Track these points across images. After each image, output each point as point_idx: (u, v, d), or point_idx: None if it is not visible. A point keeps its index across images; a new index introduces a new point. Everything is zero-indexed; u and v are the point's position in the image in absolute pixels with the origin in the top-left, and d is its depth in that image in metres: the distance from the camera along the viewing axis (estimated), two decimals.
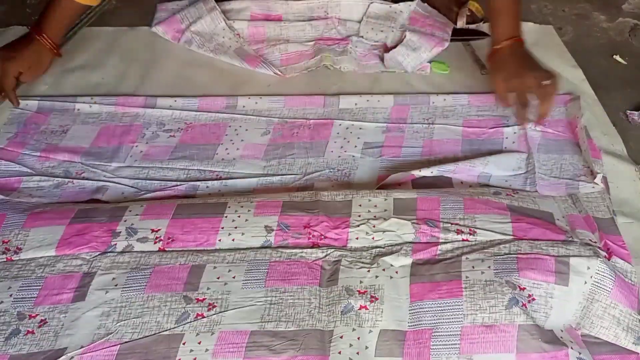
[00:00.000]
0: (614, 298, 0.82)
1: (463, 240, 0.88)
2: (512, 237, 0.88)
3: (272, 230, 0.90)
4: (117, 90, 1.24)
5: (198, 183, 1.03)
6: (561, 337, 0.79)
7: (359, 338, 0.78)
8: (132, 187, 1.02)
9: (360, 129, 1.14)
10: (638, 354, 0.80)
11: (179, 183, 1.03)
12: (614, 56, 1.36)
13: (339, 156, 1.09)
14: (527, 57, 1.11)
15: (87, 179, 1.04)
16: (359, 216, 0.92)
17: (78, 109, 1.18)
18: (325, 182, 1.04)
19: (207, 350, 0.77)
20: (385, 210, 0.93)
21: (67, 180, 1.03)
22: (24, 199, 0.99)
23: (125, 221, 0.92)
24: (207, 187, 1.03)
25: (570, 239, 0.88)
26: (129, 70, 1.28)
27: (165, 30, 1.36)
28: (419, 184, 1.02)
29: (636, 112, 1.19)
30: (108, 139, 1.12)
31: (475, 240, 0.88)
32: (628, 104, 1.22)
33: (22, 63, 1.15)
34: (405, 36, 1.29)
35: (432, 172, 1.01)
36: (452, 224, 0.89)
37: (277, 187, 1.03)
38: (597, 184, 1.01)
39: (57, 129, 1.14)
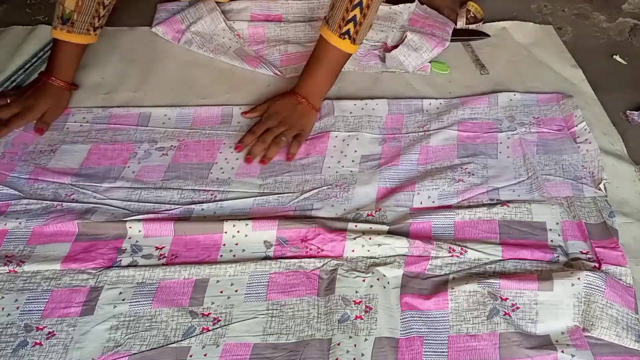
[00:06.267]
0: (608, 298, 0.84)
1: (452, 256, 0.92)
2: (500, 258, 0.92)
3: (272, 245, 0.94)
4: (117, 90, 1.23)
5: (193, 207, 1.00)
6: (556, 341, 0.82)
7: (355, 345, 0.81)
8: (123, 209, 1.00)
9: (357, 139, 1.13)
10: None
11: (172, 207, 1.00)
12: (614, 56, 1.36)
13: (337, 172, 1.07)
14: (303, 114, 1.13)
15: (76, 201, 1.01)
16: (355, 227, 0.95)
17: (67, 128, 1.15)
18: (324, 201, 1.02)
19: None
20: (379, 234, 0.95)
21: (55, 203, 1.00)
22: (11, 222, 0.97)
23: (129, 238, 0.95)
24: (202, 209, 1.00)
25: (556, 258, 0.92)
26: (129, 70, 1.28)
27: (166, 31, 1.36)
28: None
29: (636, 112, 1.19)
30: (98, 160, 1.09)
31: (465, 259, 0.92)
32: (628, 104, 1.23)
33: (42, 108, 1.14)
34: (406, 36, 1.29)
35: (433, 202, 1.01)
36: (444, 241, 0.93)
37: (274, 207, 1.01)
38: (600, 190, 1.02)
39: (46, 149, 1.10)
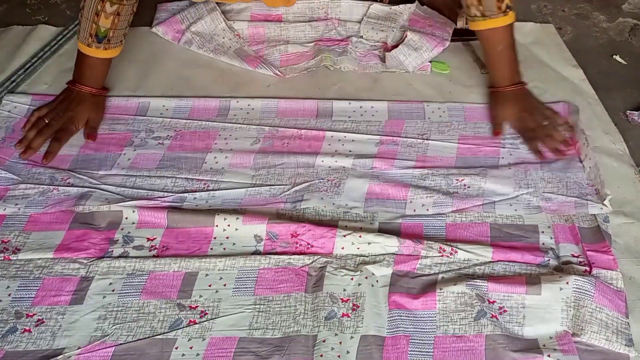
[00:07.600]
0: (598, 302, 0.84)
1: (442, 256, 0.92)
2: (490, 260, 0.92)
3: (262, 239, 0.94)
4: (117, 89, 1.23)
5: (185, 195, 1.02)
6: (544, 346, 0.81)
7: (340, 343, 0.82)
8: (117, 194, 1.01)
9: (352, 140, 1.12)
10: (629, 357, 0.81)
11: (165, 194, 1.02)
12: (614, 56, 1.36)
13: (330, 166, 1.07)
14: (527, 94, 1.17)
15: (72, 185, 1.03)
16: (346, 227, 0.96)
17: None
18: (314, 193, 1.02)
19: (197, 354, 0.81)
20: (369, 232, 0.94)
21: (51, 187, 1.02)
22: (10, 208, 0.99)
23: (122, 229, 0.96)
24: (195, 198, 1.01)
25: (547, 261, 0.91)
26: (129, 70, 1.28)
27: (165, 31, 1.36)
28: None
29: (636, 112, 1.19)
30: (96, 147, 1.11)
31: (455, 259, 0.92)
32: (628, 103, 1.23)
33: (83, 117, 1.14)
34: (406, 36, 1.29)
35: (427, 210, 1.00)
36: (435, 241, 0.93)
37: (266, 198, 1.02)
38: (605, 205, 0.99)
39: None
